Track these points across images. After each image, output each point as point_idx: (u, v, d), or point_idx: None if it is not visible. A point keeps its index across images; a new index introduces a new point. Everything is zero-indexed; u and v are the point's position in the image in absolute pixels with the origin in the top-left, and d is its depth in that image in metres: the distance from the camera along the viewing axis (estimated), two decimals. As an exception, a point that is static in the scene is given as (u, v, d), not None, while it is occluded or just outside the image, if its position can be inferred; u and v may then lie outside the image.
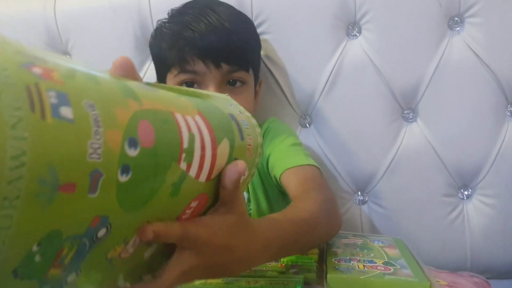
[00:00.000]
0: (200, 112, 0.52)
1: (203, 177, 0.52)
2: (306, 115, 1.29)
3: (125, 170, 0.39)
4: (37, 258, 0.36)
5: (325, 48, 1.24)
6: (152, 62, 1.19)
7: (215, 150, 0.52)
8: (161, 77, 1.13)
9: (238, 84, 1.08)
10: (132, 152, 0.39)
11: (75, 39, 1.31)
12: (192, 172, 0.49)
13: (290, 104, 1.27)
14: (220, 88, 1.05)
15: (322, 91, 1.24)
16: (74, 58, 1.32)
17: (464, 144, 1.21)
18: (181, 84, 1.07)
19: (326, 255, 0.81)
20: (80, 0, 1.31)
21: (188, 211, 0.54)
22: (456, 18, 1.20)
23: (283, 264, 0.75)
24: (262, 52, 1.20)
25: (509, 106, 1.21)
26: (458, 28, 1.21)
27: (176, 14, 1.11)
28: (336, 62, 1.23)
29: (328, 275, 0.73)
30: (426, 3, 1.20)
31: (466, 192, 1.25)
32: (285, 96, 1.26)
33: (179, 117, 0.47)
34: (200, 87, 1.06)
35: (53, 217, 0.34)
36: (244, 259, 0.60)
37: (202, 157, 0.50)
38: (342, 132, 1.26)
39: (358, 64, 1.23)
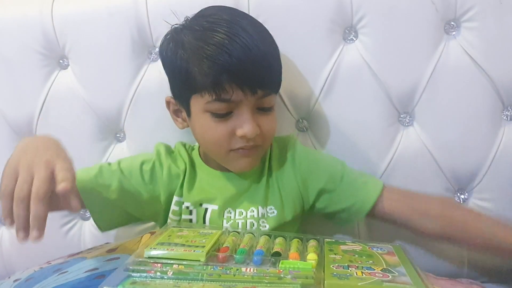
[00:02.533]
0: None
1: None
2: (303, 119, 1.29)
3: None
4: None
5: (321, 52, 1.24)
6: (146, 66, 1.18)
7: None
8: (181, 95, 1.07)
9: (268, 110, 1.05)
10: None
11: (72, 43, 1.31)
12: None
13: (287, 108, 1.27)
14: (253, 114, 1.01)
15: (319, 95, 1.24)
16: (72, 62, 1.32)
17: (461, 148, 1.22)
18: (215, 113, 1.01)
19: (324, 261, 0.81)
20: (77, 4, 1.31)
21: None
22: (452, 23, 1.21)
23: (281, 270, 0.74)
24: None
25: (505, 110, 1.21)
26: (454, 33, 1.21)
27: (201, 29, 1.01)
28: (333, 66, 1.23)
29: (326, 282, 0.73)
30: (423, 8, 1.20)
31: (462, 196, 1.25)
32: (282, 100, 1.26)
33: None
34: (234, 113, 1.01)
35: None
36: None
37: None
38: (338, 136, 1.26)
39: (354, 68, 1.23)
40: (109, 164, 1.12)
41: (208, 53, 0.96)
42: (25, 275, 0.97)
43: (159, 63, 1.27)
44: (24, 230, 0.77)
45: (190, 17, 1.07)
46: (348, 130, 1.25)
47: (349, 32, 1.24)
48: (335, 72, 1.23)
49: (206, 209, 1.08)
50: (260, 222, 1.07)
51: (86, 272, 0.87)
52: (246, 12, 1.22)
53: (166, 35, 1.10)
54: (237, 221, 1.06)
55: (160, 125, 1.28)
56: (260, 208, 1.09)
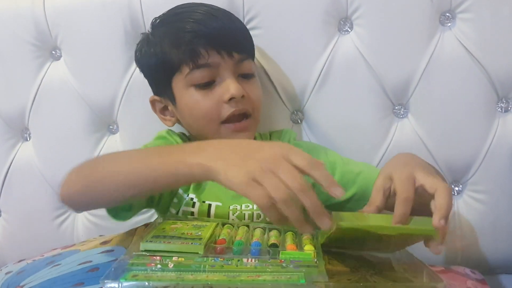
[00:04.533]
0: None
1: None
2: (298, 111, 1.28)
3: None
4: None
5: (316, 44, 1.24)
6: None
7: None
8: (162, 85, 1.09)
9: (249, 76, 1.08)
10: None
11: (65, 34, 1.30)
12: None
13: (282, 100, 1.27)
14: (236, 78, 1.04)
15: (314, 86, 1.24)
16: (64, 53, 1.31)
17: (455, 140, 1.21)
18: (197, 84, 1.03)
19: (321, 253, 0.80)
20: (70, -6, 1.30)
21: None
22: (447, 14, 1.20)
23: (282, 260, 0.74)
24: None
25: (499, 102, 1.21)
26: (449, 24, 1.21)
27: (167, 17, 1.10)
28: (328, 57, 1.23)
29: (332, 212, 0.72)
30: (418, -1, 1.20)
31: (456, 188, 1.25)
32: (277, 92, 1.26)
33: None
34: (217, 82, 1.04)
35: None
36: None
37: None
38: (333, 128, 1.26)
39: (349, 59, 1.23)
40: None
41: (177, 27, 1.04)
42: (17, 267, 0.95)
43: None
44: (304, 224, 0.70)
45: (155, 21, 1.12)
46: (342, 122, 1.25)
47: (344, 23, 1.24)
48: (330, 64, 1.23)
49: (209, 205, 1.05)
50: None
51: (79, 264, 0.86)
52: (240, 2, 1.22)
53: (137, 46, 1.16)
54: (243, 212, 1.04)
55: (153, 117, 1.26)
56: None
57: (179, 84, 1.05)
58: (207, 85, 1.03)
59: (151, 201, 1.06)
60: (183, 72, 1.03)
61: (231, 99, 1.02)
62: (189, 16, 1.05)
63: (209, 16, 1.04)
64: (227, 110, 1.03)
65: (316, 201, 0.69)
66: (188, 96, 1.05)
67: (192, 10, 1.06)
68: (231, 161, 0.72)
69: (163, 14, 1.11)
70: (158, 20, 1.11)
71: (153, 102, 1.15)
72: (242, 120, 1.06)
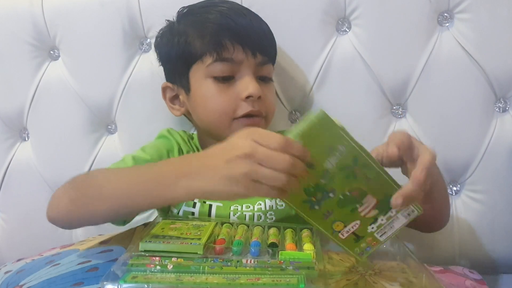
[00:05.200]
0: None
1: None
2: (296, 111, 1.29)
3: None
4: None
5: (315, 44, 1.24)
6: (141, 58, 1.17)
7: None
8: (179, 72, 1.09)
9: (267, 80, 1.10)
10: None
11: (63, 34, 1.30)
12: None
13: (280, 100, 1.27)
14: (255, 78, 1.05)
15: (312, 86, 1.24)
16: (62, 53, 1.31)
17: (453, 139, 1.22)
18: (217, 76, 1.03)
19: (321, 252, 0.80)
20: (68, -6, 1.30)
21: None
22: (445, 14, 1.21)
23: (282, 261, 0.74)
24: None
25: (497, 102, 1.21)
26: (447, 24, 1.21)
27: (196, 8, 1.10)
28: (326, 57, 1.23)
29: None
30: (416, -1, 1.20)
31: (454, 188, 1.25)
32: (275, 92, 1.25)
33: None
34: (236, 78, 1.04)
35: None
36: None
37: None
38: (331, 128, 1.25)
39: (347, 59, 1.23)
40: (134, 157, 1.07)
41: (206, 18, 1.05)
42: (16, 267, 0.95)
43: (150, 54, 1.27)
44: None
45: (182, 11, 1.11)
46: (340, 122, 1.25)
47: (342, 23, 1.24)
48: (328, 64, 1.23)
49: (210, 206, 1.04)
50: (268, 215, 1.04)
51: (78, 264, 0.86)
52: (239, 2, 1.21)
53: (159, 32, 1.15)
54: (244, 213, 1.03)
55: (151, 117, 1.27)
56: (267, 201, 1.06)
57: (197, 73, 1.05)
58: (226, 80, 1.04)
59: None
60: (204, 62, 1.03)
61: (248, 97, 1.02)
62: (219, 9, 1.06)
63: (240, 13, 1.07)
64: (243, 109, 1.03)
65: (301, 149, 0.71)
66: (205, 87, 1.05)
67: (222, 5, 1.08)
68: (209, 174, 0.71)
69: (191, 5, 1.12)
70: (185, 10, 1.11)
71: (164, 89, 1.15)
72: (254, 116, 1.06)
